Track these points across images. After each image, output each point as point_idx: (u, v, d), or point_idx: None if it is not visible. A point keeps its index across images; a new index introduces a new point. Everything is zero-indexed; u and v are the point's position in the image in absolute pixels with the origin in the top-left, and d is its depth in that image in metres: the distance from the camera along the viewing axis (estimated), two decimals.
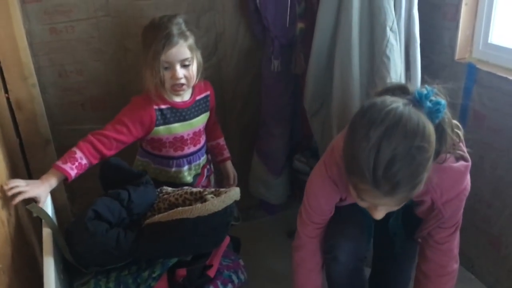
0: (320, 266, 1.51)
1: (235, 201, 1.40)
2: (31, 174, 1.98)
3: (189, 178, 1.75)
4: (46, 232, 1.32)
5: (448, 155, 1.20)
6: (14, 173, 1.69)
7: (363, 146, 1.06)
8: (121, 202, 1.39)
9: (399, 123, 1.05)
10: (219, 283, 1.40)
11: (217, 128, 1.94)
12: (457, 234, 1.30)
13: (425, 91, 1.11)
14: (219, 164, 1.96)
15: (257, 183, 2.31)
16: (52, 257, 1.23)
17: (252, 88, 2.26)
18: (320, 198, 1.38)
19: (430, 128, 1.08)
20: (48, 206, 1.43)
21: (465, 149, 1.28)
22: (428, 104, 1.10)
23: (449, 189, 1.25)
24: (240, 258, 1.55)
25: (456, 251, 1.33)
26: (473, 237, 2.33)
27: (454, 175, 1.23)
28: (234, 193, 1.38)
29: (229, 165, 1.96)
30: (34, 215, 1.36)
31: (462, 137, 1.23)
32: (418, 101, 1.11)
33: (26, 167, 1.98)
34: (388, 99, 1.11)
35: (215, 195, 1.40)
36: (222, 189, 1.43)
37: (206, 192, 1.42)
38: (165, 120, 1.64)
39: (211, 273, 1.37)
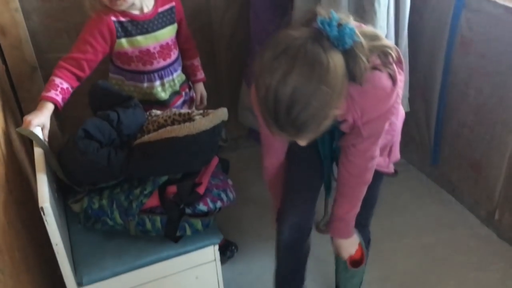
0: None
1: (223, 122, 1.43)
2: (20, 103, 2.00)
3: (163, 95, 1.76)
4: (38, 152, 1.34)
5: (372, 73, 1.14)
6: (3, 101, 1.70)
7: (262, 92, 1.03)
8: (111, 123, 1.41)
9: (295, 64, 1.00)
10: (208, 200, 1.45)
11: (191, 46, 1.92)
12: (378, 142, 1.29)
13: (327, 19, 1.05)
14: (193, 84, 1.97)
15: (246, 112, 2.33)
16: (45, 174, 1.26)
17: (240, 15, 2.24)
18: (263, 129, 1.36)
19: (333, 61, 1.02)
20: (39, 133, 1.44)
21: (400, 71, 1.22)
22: (334, 31, 1.03)
23: (370, 110, 1.19)
24: (229, 178, 1.60)
25: (376, 153, 1.33)
26: (455, 162, 2.41)
27: (376, 96, 1.17)
28: (221, 113, 1.40)
29: (200, 86, 1.97)
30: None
31: (395, 58, 1.17)
32: (321, 31, 1.04)
33: (15, 97, 1.99)
34: (289, 35, 1.05)
35: (203, 116, 1.43)
36: (210, 110, 1.45)
37: (194, 113, 1.45)
38: (126, 32, 1.65)
39: (201, 190, 1.42)
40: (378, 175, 1.46)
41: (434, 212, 2.42)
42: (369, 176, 1.37)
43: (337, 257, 1.64)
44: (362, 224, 1.57)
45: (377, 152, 1.32)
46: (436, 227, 2.31)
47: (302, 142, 1.16)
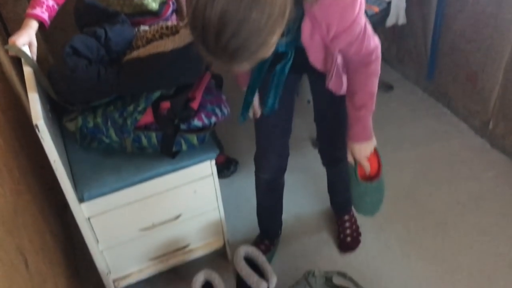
0: None
1: None
2: (6, 24, 1.94)
3: (154, 5, 1.71)
4: (27, 70, 1.32)
5: None
6: None
7: (190, 15, 0.92)
8: (98, 39, 1.38)
9: None
10: (203, 115, 1.45)
11: None
12: (366, 35, 1.17)
13: None
14: None
15: None
16: (37, 92, 1.25)
17: None
18: None
19: None
20: (26, 52, 1.42)
21: None
22: None
23: (334, 22, 1.11)
24: (222, 94, 1.59)
25: (372, 44, 1.21)
26: (451, 74, 2.39)
27: (338, 7, 1.09)
28: None
29: None
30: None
31: None
32: None
33: (1, 19, 1.93)
34: None
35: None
36: None
37: (181, 25, 1.41)
38: None
39: (194, 105, 1.42)
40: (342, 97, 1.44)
41: (429, 124, 2.44)
42: (377, 67, 1.27)
43: (350, 169, 1.47)
44: (339, 148, 1.59)
45: (372, 44, 1.21)
46: (430, 139, 2.34)
47: (240, 70, 1.10)
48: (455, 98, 2.43)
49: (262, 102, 1.46)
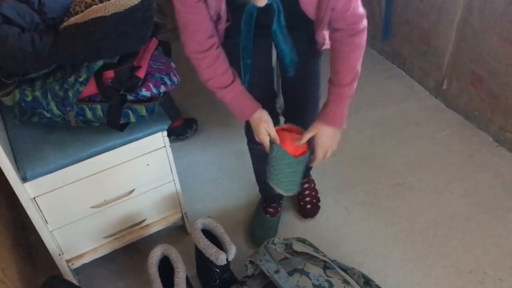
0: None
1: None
2: None
3: None
4: None
5: None
6: None
7: None
8: (31, 5, 1.28)
9: None
10: (151, 85, 1.37)
11: None
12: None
13: None
14: None
15: None
16: None
17: None
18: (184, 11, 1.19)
19: None
20: None
21: None
22: None
23: None
24: (171, 62, 1.52)
25: (360, 9, 1.20)
26: (405, 35, 2.38)
27: None
28: None
29: None
30: None
31: None
32: None
33: None
34: None
35: None
36: None
37: None
38: None
39: (140, 74, 1.34)
40: (318, 53, 1.41)
41: (385, 87, 2.44)
42: (363, 40, 1.24)
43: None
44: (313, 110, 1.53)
45: (360, 10, 1.19)
46: (387, 101, 2.34)
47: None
48: (410, 60, 2.43)
49: (282, 64, 1.38)
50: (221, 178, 2.00)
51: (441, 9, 2.09)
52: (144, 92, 1.37)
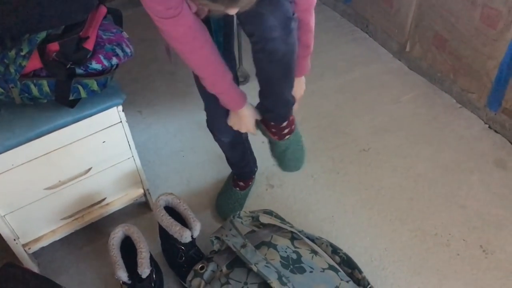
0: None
1: None
2: None
3: None
4: None
5: None
6: None
7: None
8: None
9: None
10: (101, 57, 1.28)
11: None
12: None
13: None
14: None
15: None
16: None
17: None
18: None
19: None
20: None
21: None
22: None
23: None
24: (123, 31, 1.42)
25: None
26: None
27: None
28: None
29: None
30: None
31: None
32: None
33: None
34: None
35: None
36: None
37: None
38: None
39: (89, 45, 1.24)
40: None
41: (349, 50, 2.40)
42: None
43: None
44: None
45: None
46: (351, 65, 2.31)
47: (233, 11, 1.00)
48: (373, 22, 2.38)
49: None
50: (184, 151, 1.94)
51: None
52: (95, 65, 1.27)
